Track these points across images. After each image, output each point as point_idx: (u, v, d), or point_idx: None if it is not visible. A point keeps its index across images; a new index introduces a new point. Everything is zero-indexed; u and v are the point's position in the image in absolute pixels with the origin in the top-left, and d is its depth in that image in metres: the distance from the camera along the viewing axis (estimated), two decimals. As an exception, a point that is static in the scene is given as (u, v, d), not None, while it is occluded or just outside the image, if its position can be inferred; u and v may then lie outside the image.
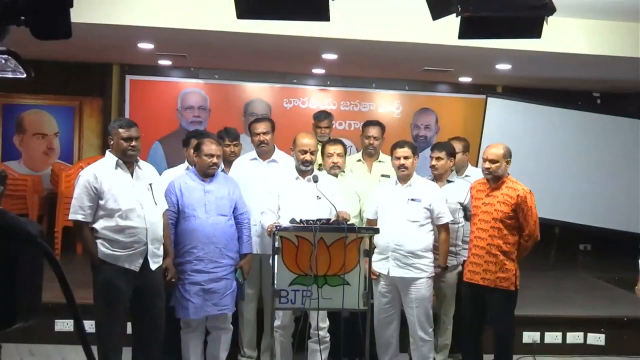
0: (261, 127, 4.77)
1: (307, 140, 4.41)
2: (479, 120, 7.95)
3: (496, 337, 4.39)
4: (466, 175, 5.02)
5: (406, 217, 4.31)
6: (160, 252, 4.06)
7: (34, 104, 8.21)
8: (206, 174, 4.31)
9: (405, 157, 4.37)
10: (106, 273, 3.90)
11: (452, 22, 2.87)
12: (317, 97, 8.69)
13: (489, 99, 8.03)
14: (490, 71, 7.41)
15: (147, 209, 3.97)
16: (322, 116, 5.56)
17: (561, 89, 8.63)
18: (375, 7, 5.38)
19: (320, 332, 4.25)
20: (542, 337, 5.43)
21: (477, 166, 5.67)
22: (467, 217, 4.66)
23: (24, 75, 1.01)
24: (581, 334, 5.42)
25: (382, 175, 5.06)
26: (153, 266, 3.97)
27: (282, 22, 4.06)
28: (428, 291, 4.34)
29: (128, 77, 8.34)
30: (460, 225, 4.66)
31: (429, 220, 4.37)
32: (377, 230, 4.07)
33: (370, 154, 5.20)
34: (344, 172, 4.80)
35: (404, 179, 4.42)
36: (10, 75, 1.00)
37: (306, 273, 3.91)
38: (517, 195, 4.17)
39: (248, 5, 2.80)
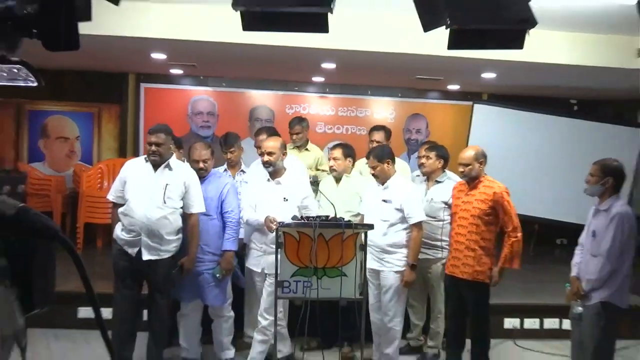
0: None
1: (266, 143, 4.34)
2: (466, 125, 7.94)
3: (473, 325, 4.33)
4: (448, 179, 4.94)
5: (379, 217, 4.27)
6: (159, 246, 4.09)
7: (57, 110, 8.20)
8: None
9: (373, 167, 4.35)
10: (114, 250, 4.22)
11: (441, 34, 2.86)
12: (317, 104, 8.68)
13: (475, 105, 8.03)
14: (477, 80, 7.40)
15: (150, 205, 4.06)
16: (293, 123, 5.51)
17: (542, 96, 8.62)
18: (371, 20, 5.37)
19: (263, 322, 4.21)
20: (521, 323, 5.44)
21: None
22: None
23: (35, 84, 1.00)
24: (557, 320, 5.44)
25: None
26: (145, 256, 4.07)
27: (285, 34, 4.04)
28: (396, 282, 4.27)
29: (143, 85, 8.34)
30: (445, 222, 4.62)
31: (401, 219, 4.28)
32: (371, 227, 4.06)
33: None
34: (348, 174, 4.77)
35: (380, 181, 4.39)
36: (22, 84, 1.00)
37: (307, 265, 3.92)
38: (494, 193, 4.12)
39: (253, 19, 2.79)
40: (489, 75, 7.01)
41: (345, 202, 4.58)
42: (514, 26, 2.86)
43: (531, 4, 2.81)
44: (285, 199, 4.22)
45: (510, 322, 5.41)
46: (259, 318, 4.26)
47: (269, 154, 4.23)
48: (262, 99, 8.58)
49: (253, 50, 5.68)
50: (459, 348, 4.36)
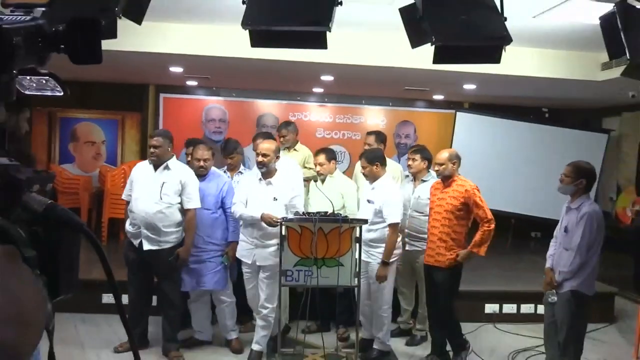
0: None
1: (262, 145, 4.24)
2: (449, 130, 7.94)
3: (443, 309, 4.24)
4: (432, 178, 4.88)
5: (364, 214, 4.25)
6: (158, 237, 4.13)
7: (85, 118, 8.20)
8: (197, 174, 4.33)
9: (363, 168, 4.34)
10: (125, 242, 4.43)
11: (427, 50, 2.87)
12: (317, 112, 8.67)
13: (457, 113, 8.03)
14: (459, 90, 7.40)
15: (147, 201, 4.13)
16: (281, 127, 5.42)
17: (516, 105, 8.62)
18: (365, 37, 5.37)
19: (264, 311, 4.15)
20: (500, 308, 5.43)
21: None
22: None
23: (62, 94, 1.02)
24: (532, 305, 5.42)
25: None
26: (145, 247, 4.13)
27: (288, 49, 4.04)
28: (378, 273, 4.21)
29: (162, 95, 8.33)
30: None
31: (381, 219, 4.19)
32: (365, 221, 4.06)
33: None
34: (332, 175, 4.71)
35: (369, 181, 4.36)
36: (49, 93, 1.02)
37: (308, 256, 3.92)
38: (465, 190, 4.08)
39: (260, 36, 2.80)
40: (469, 86, 7.01)
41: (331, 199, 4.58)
42: (491, 43, 2.87)
43: (506, 23, 2.82)
44: (275, 199, 4.12)
45: (490, 307, 5.40)
46: (260, 308, 4.16)
47: (264, 155, 4.10)
48: (268, 107, 8.57)
49: (260, 64, 5.68)
50: (442, 329, 4.35)
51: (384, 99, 8.63)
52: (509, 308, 5.40)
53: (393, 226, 4.16)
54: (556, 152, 7.78)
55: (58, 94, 1.01)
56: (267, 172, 4.14)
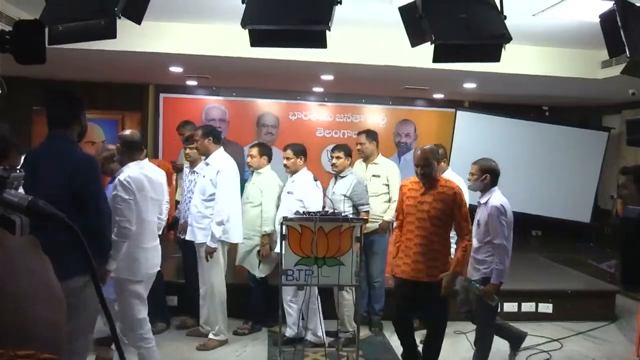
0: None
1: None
2: (450, 129, 7.95)
3: (432, 321, 3.90)
4: (342, 177, 4.74)
5: (284, 206, 4.38)
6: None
7: (88, 118, 8.17)
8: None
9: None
10: None
11: (427, 49, 2.86)
12: (317, 111, 8.68)
13: (458, 112, 8.04)
14: (459, 89, 7.41)
15: None
16: (179, 126, 5.59)
17: (517, 103, 8.62)
18: (364, 36, 5.37)
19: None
20: (501, 307, 5.42)
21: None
22: (356, 208, 4.53)
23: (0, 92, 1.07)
24: (533, 303, 5.43)
25: (373, 175, 4.89)
26: None
27: (288, 49, 4.04)
28: None
29: (161, 95, 8.34)
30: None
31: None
32: (366, 220, 4.06)
33: (362, 157, 5.11)
34: (259, 171, 4.67)
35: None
36: None
37: (308, 255, 3.91)
38: (455, 193, 3.64)
39: (260, 36, 2.79)
40: (470, 85, 7.01)
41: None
42: (491, 41, 2.87)
43: (506, 21, 2.82)
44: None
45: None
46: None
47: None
48: (268, 106, 8.58)
49: (260, 64, 5.68)
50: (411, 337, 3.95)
51: (384, 97, 8.63)
52: (510, 307, 5.40)
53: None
54: (557, 151, 7.80)
55: None
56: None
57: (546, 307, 5.42)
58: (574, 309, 5.40)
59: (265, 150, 4.70)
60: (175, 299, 4.98)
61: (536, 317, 5.36)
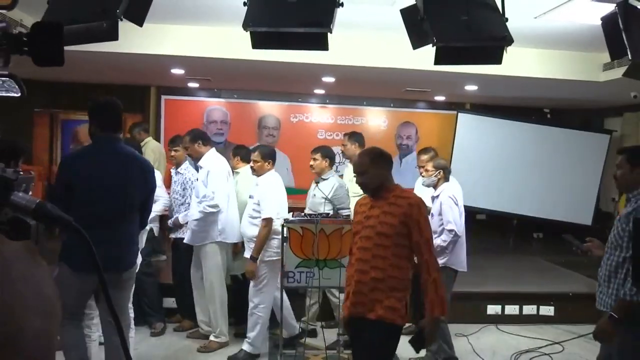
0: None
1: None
2: (451, 131, 7.94)
3: None
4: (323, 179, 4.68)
5: (247, 211, 4.32)
6: None
7: (87, 120, 8.13)
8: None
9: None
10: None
11: (428, 52, 2.87)
12: (318, 113, 8.68)
13: (459, 114, 8.03)
14: (461, 91, 7.41)
15: None
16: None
17: (518, 105, 8.62)
18: (366, 39, 5.38)
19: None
20: (502, 309, 5.42)
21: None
22: (335, 210, 4.44)
23: (18, 94, 1.06)
24: (535, 306, 5.41)
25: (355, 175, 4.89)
26: None
27: (289, 51, 4.05)
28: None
29: (163, 97, 8.35)
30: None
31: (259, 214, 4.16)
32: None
33: (346, 159, 5.17)
34: (238, 171, 4.70)
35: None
36: (4, 94, 1.06)
37: (309, 257, 3.91)
38: (409, 204, 2.70)
39: (261, 38, 2.80)
40: (471, 87, 7.01)
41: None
42: (493, 44, 2.87)
43: (508, 24, 2.82)
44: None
45: (492, 309, 5.38)
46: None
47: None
48: (269, 108, 8.58)
49: (261, 66, 5.69)
50: None
51: (386, 100, 8.63)
52: (511, 309, 5.39)
53: (265, 221, 4.05)
54: (558, 153, 7.79)
55: (14, 94, 1.04)
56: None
57: (548, 310, 5.41)
58: (575, 311, 5.37)
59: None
60: (173, 300, 4.98)
61: (538, 319, 5.35)
